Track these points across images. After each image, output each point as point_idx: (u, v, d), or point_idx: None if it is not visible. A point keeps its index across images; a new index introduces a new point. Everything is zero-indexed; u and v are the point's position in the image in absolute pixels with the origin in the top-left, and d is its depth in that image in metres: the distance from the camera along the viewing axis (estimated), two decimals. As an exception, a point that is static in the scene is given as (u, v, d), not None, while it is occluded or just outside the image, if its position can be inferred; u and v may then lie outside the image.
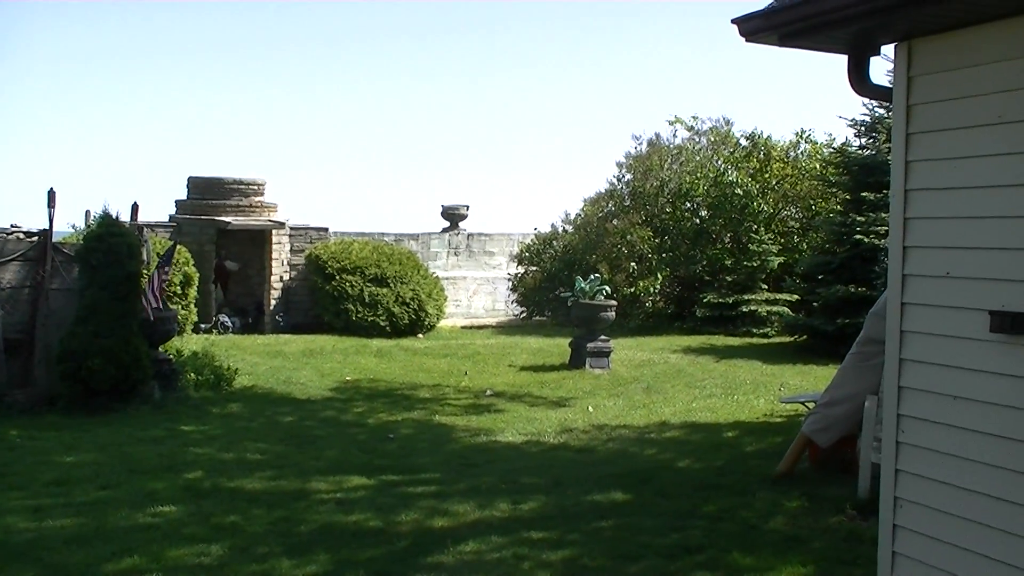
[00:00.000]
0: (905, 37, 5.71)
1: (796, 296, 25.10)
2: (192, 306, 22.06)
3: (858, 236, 21.39)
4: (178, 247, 21.49)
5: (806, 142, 29.14)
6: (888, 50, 5.95)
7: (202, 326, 22.67)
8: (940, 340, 5.60)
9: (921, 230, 5.72)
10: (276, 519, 9.38)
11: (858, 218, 21.74)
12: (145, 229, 16.26)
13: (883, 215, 21.38)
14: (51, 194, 14.90)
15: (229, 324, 23.45)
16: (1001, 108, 5.23)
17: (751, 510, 9.73)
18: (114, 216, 14.66)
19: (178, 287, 21.09)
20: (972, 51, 5.40)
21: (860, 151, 23.53)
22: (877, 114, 23.02)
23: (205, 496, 10.10)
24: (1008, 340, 5.20)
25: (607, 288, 20.36)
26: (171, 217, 24.60)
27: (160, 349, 15.52)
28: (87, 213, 14.85)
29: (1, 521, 9.19)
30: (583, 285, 19.84)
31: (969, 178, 5.43)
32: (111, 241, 14.16)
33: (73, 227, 18.76)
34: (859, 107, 27.96)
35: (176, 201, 25.04)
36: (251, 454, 12.05)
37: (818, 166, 27.83)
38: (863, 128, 23.71)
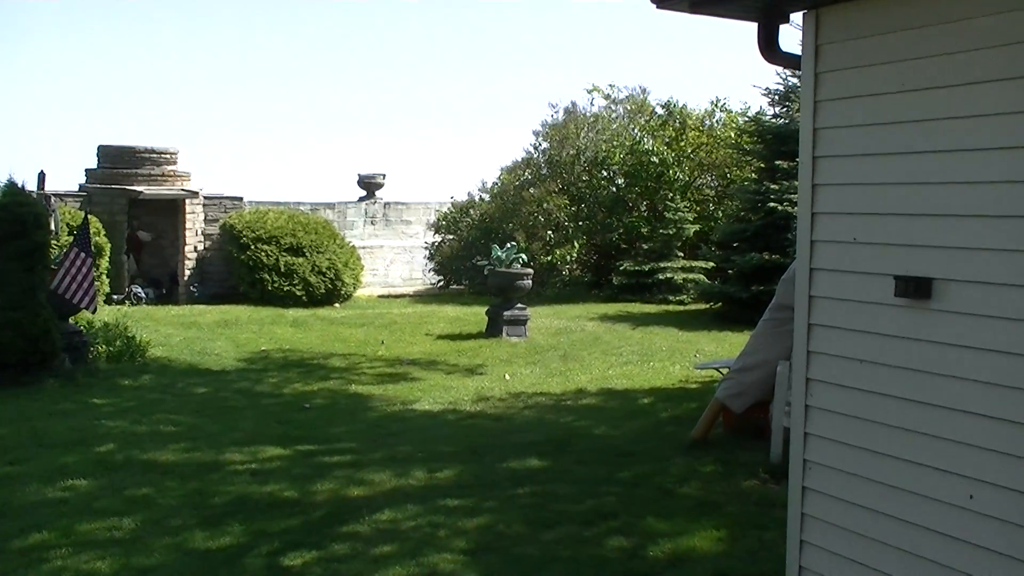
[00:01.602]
0: (813, 6, 5.75)
1: (712, 264, 25.29)
2: (104, 277, 21.68)
3: (772, 204, 21.62)
4: (89, 217, 21.15)
5: (721, 111, 29.37)
6: (798, 18, 5.99)
7: (115, 297, 22.32)
8: (847, 305, 5.68)
9: (829, 196, 5.79)
10: (190, 491, 9.29)
11: (772, 186, 21.96)
12: (53, 199, 15.93)
13: (797, 183, 21.53)
14: (-46, 164, 14.52)
15: (143, 295, 23.12)
16: (904, 76, 5.30)
17: (666, 476, 9.84)
18: (20, 185, 14.32)
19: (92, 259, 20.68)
20: (877, 19, 5.45)
21: (774, 120, 23.76)
22: (791, 83, 23.23)
23: (117, 469, 9.97)
24: (911, 304, 5.28)
25: (523, 256, 20.39)
26: (81, 187, 24.12)
27: (70, 321, 15.23)
28: (-8, 182, 14.47)
29: (-98, 498, 9.01)
30: (499, 253, 19.84)
31: (875, 145, 5.50)
32: (16, 211, 13.82)
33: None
34: (773, 76, 28.34)
35: (86, 170, 24.54)
36: (164, 426, 11.90)
37: (733, 135, 28.07)
38: (777, 97, 23.93)
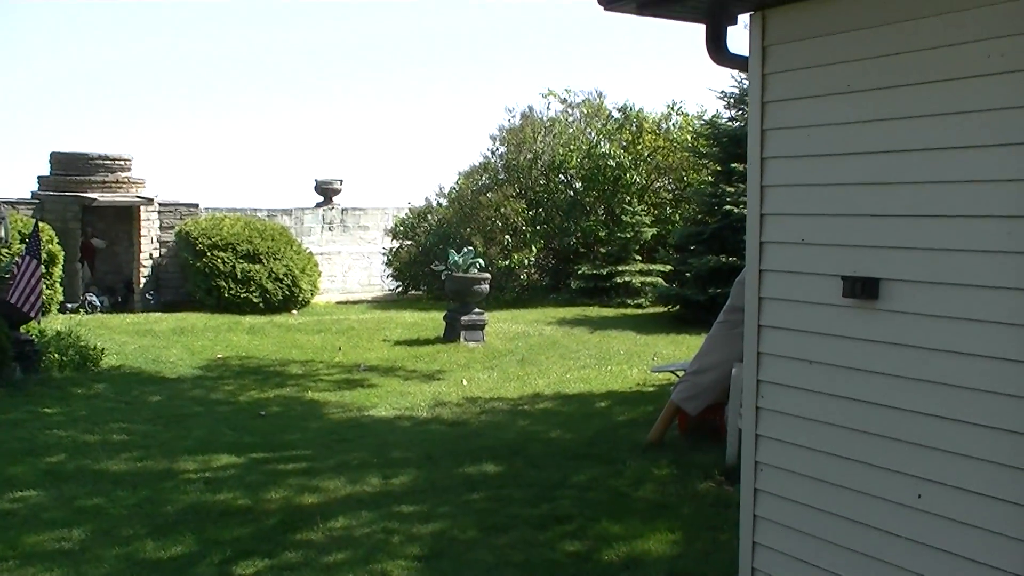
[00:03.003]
0: (759, 7, 5.75)
1: (669, 267, 25.33)
2: (57, 285, 21.48)
3: (728, 207, 21.68)
4: (41, 225, 20.91)
5: (677, 114, 29.46)
6: (745, 19, 5.98)
7: (68, 306, 22.10)
8: (796, 306, 5.69)
9: (777, 197, 5.79)
10: (141, 500, 9.18)
11: (728, 189, 22.04)
12: (3, 206, 15.73)
13: (751, 185, 21.71)
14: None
15: (97, 303, 22.91)
16: (850, 77, 5.31)
17: (621, 479, 9.82)
18: (-32, 193, 14.16)
19: (43, 266, 20.43)
20: (823, 21, 5.46)
21: (729, 123, 23.84)
22: (745, 86, 23.29)
23: (67, 479, 9.83)
24: (859, 304, 5.30)
25: (481, 261, 20.34)
26: (33, 194, 23.85)
27: (21, 329, 15.05)
28: (-58, 190, 14.27)
29: None
30: (456, 258, 19.79)
31: (822, 146, 5.51)
32: (-35, 219, 13.69)
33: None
34: (728, 79, 28.40)
35: (38, 177, 24.29)
36: (117, 435, 11.77)
37: (689, 138, 28.14)
38: (732, 100, 24.03)
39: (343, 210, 30.72)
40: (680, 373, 12.25)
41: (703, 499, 9.14)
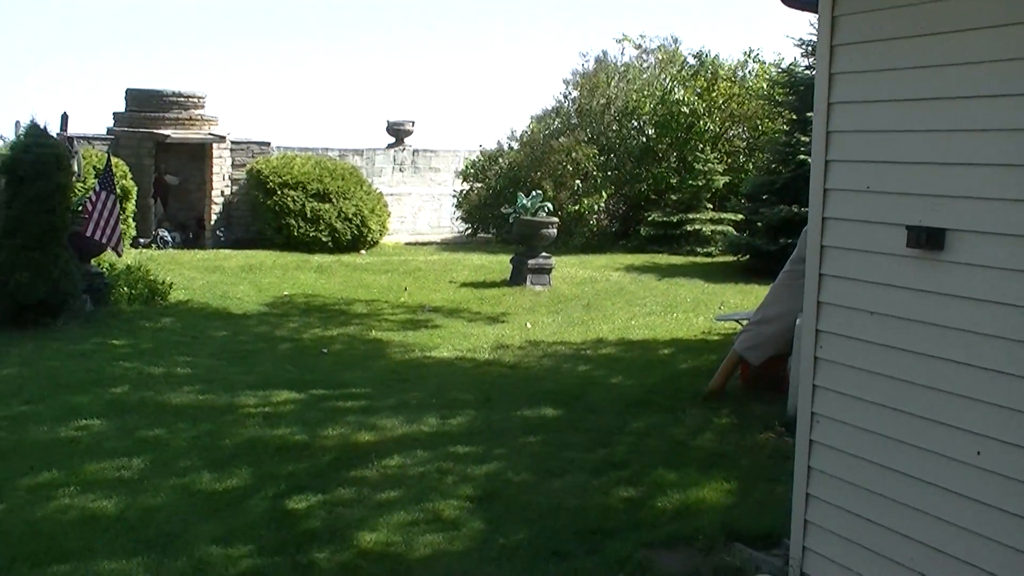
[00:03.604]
0: (830, -55, 5.57)
1: (740, 216, 25.03)
2: (130, 220, 21.65)
3: (802, 156, 21.31)
4: (115, 160, 21.10)
5: (754, 62, 28.98)
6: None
7: (141, 241, 22.31)
8: (859, 255, 5.54)
9: (843, 144, 5.63)
10: (201, 433, 9.28)
11: (803, 138, 21.65)
12: (76, 140, 15.86)
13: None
14: (-24, 103, 14.50)
15: (168, 239, 23.11)
16: (921, 21, 5.12)
17: (680, 427, 9.75)
18: (42, 126, 14.25)
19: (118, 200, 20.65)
20: (896, -40, 5.27)
21: (806, 71, 23.39)
22: (824, 33, 22.84)
23: (130, 411, 9.97)
24: (923, 255, 5.14)
25: (549, 205, 20.23)
26: (108, 130, 24.05)
27: (92, 263, 15.24)
28: (16, 124, 14.43)
29: (-82, 435, 9.04)
30: (525, 202, 19.69)
31: (890, 91, 5.33)
32: (38, 152, 13.77)
33: (2, 139, 18.29)
34: (806, 27, 27.80)
35: (114, 114, 24.47)
36: (180, 369, 11.90)
37: (765, 86, 27.69)
38: (809, 48, 23.52)
39: (414, 151, 30.65)
40: (744, 322, 12.11)
41: (761, 450, 9.04)
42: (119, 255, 15.48)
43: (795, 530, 6.06)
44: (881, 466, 5.48)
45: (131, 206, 21.59)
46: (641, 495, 7.82)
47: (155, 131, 23.33)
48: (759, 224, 22.59)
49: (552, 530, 7.07)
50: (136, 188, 21.90)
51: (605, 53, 29.95)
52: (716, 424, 9.84)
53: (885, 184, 5.37)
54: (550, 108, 29.81)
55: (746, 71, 28.93)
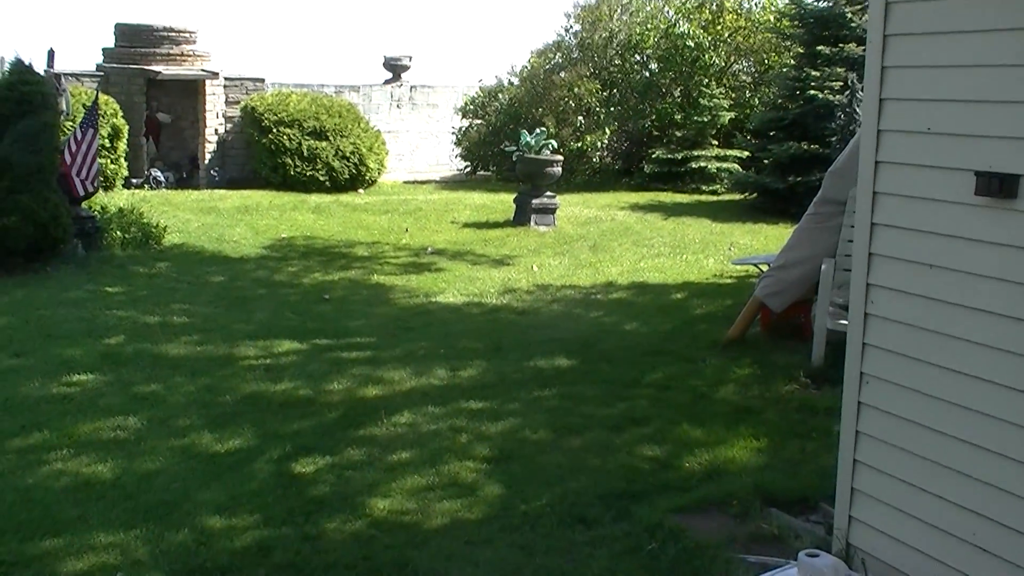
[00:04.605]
0: None
1: (747, 153, 24.49)
2: (122, 160, 21.05)
3: (812, 91, 20.77)
4: (106, 98, 20.51)
5: (761, -7, 28.27)
6: None
7: (133, 181, 21.73)
8: (918, 203, 5.07)
9: (901, 80, 5.13)
10: (200, 388, 8.87)
11: (812, 72, 21.10)
12: (63, 77, 15.29)
13: (839, 69, 20.79)
14: (-41, 39, 13.94)
15: (162, 179, 22.52)
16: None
17: (700, 378, 9.34)
18: (27, 63, 13.71)
19: (107, 140, 20.10)
20: None
21: (816, 3, 22.74)
22: (835, -37, 22.23)
23: (125, 363, 9.53)
24: (994, 204, 4.67)
25: (553, 143, 19.70)
26: (98, 66, 23.38)
27: (83, 205, 14.72)
28: (0, 60, 13.88)
29: (-98, 391, 8.61)
30: (528, 139, 19.17)
31: (957, 21, 4.83)
32: (23, 90, 13.24)
33: (-12, 75, 17.70)
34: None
35: (103, 50, 23.76)
36: (177, 317, 11.44)
37: (772, 18, 26.99)
38: (821, -22, 22.86)
39: (412, 87, 29.99)
40: (763, 267, 11.66)
41: (787, 403, 8.64)
42: (89, 192, 14.66)
43: (840, 499, 5.64)
44: (938, 432, 5.05)
45: (122, 145, 21.00)
46: (666, 454, 7.40)
47: (146, 67, 22.64)
48: (766, 161, 22.07)
49: (575, 494, 6.66)
50: (127, 127, 21.26)
51: (608, -15, 29.27)
52: (738, 375, 9.42)
53: (949, 125, 4.89)
54: (551, 42, 29.13)
55: (752, 3, 28.20)
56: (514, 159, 19.53)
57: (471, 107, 28.30)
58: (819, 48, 21.26)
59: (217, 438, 7.59)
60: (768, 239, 17.58)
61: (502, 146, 23.87)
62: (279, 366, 9.56)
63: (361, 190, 23.39)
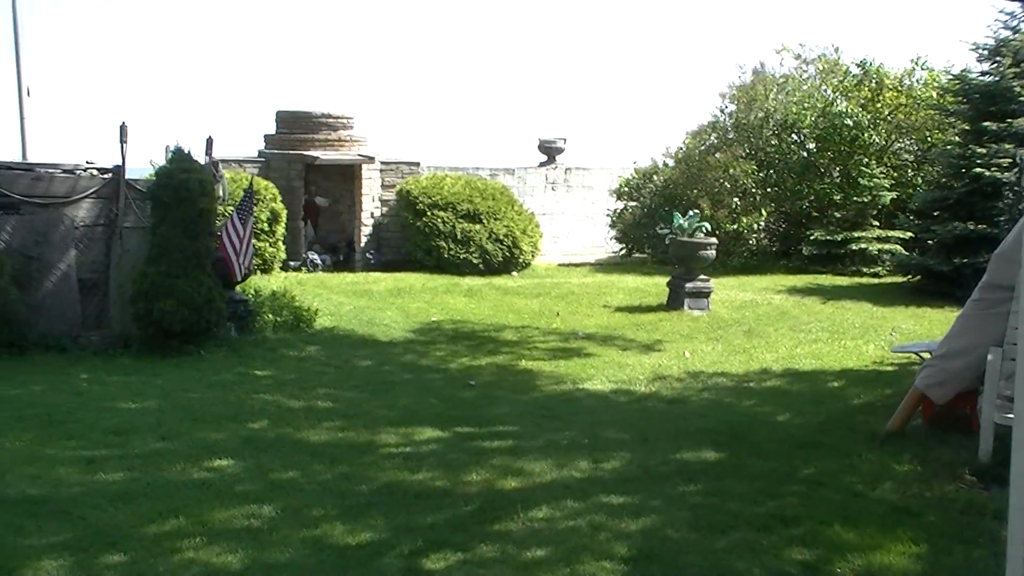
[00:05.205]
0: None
1: (909, 233, 23.82)
2: (280, 243, 21.52)
3: (978, 169, 20.09)
4: (265, 183, 21.00)
5: (922, 69, 27.49)
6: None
7: (291, 264, 22.17)
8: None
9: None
10: (337, 476, 8.74)
11: (978, 150, 20.42)
12: (221, 164, 15.65)
13: (1006, 146, 20.09)
14: (123, 129, 14.40)
15: (319, 261, 22.93)
16: None
17: (856, 474, 8.83)
18: (186, 151, 14.07)
19: (265, 224, 20.56)
20: None
21: (982, 77, 22.05)
22: (1002, 36, 21.55)
23: (266, 449, 9.50)
24: None
25: (707, 225, 19.40)
26: (260, 153, 24.05)
27: (237, 288, 14.98)
28: (167, 149, 14.29)
29: (53, 473, 8.72)
30: (681, 222, 18.90)
31: None
32: (181, 177, 13.59)
33: (152, 163, 18.27)
34: (982, 29, 26.32)
35: (265, 136, 24.48)
36: (322, 402, 11.44)
37: (935, 95, 26.26)
38: (986, 52, 22.14)
39: (567, 169, 30.07)
40: (925, 355, 11.09)
41: (951, 504, 8.06)
42: (240, 277, 14.89)
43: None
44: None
45: (281, 228, 21.46)
46: (817, 558, 6.94)
47: (304, 152, 23.20)
48: (930, 242, 21.41)
49: (719, 600, 6.28)
50: (286, 211, 21.76)
51: (763, 64, 29.04)
52: (897, 471, 8.87)
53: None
54: (706, 123, 28.98)
55: (913, 80, 27.51)
56: (667, 242, 19.28)
57: (626, 189, 28.21)
58: (985, 124, 20.60)
59: (349, 530, 7.43)
60: (932, 323, 16.91)
61: (656, 228, 23.65)
62: (419, 454, 9.40)
63: (515, 273, 23.38)
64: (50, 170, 14.56)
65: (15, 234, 13.92)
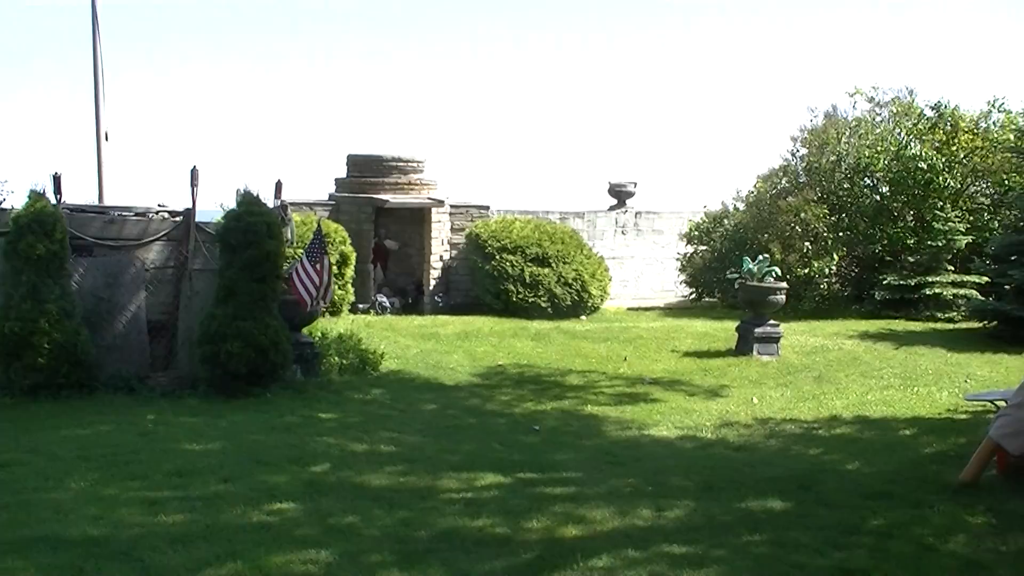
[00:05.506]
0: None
1: (985, 278, 23.40)
2: (349, 286, 21.67)
3: (1056, 213, 19.73)
4: (335, 226, 21.16)
5: (998, 111, 27.14)
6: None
7: (360, 306, 22.29)
8: None
9: None
10: (396, 521, 8.66)
11: (1057, 193, 20.06)
12: (290, 207, 15.78)
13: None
14: (194, 172, 14.61)
15: (387, 304, 23.01)
16: None
17: (927, 526, 8.58)
18: (254, 195, 14.21)
19: (335, 266, 20.70)
20: None
21: (1060, 119, 21.70)
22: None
23: (326, 492, 9.45)
24: None
25: (776, 270, 19.19)
26: (330, 196, 24.28)
27: (304, 331, 15.05)
28: (237, 192, 14.45)
29: (114, 514, 8.72)
30: (751, 266, 18.73)
31: None
32: (249, 220, 13.72)
33: (221, 206, 18.50)
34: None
35: (336, 179, 24.71)
36: (384, 445, 11.40)
37: (1012, 137, 25.89)
38: (1063, 95, 21.81)
39: (637, 213, 30.00)
40: (1000, 403, 10.83)
41: (1026, 559, 7.83)
42: (312, 310, 14.94)
43: None
44: None
45: (350, 271, 21.61)
46: (884, 613, 6.76)
47: (374, 196, 23.35)
48: (1007, 287, 21.01)
49: (780, 658, 6.12)
50: (355, 253, 21.91)
51: (835, 107, 28.89)
52: (970, 523, 8.63)
53: None
54: (777, 167, 28.82)
55: (989, 122, 27.15)
56: (736, 286, 19.12)
57: (696, 233, 28.08)
58: (1063, 168, 20.21)
59: (405, 577, 7.36)
60: (1009, 371, 16.55)
61: (727, 273, 23.46)
62: (479, 500, 9.30)
63: (583, 316, 23.31)
64: (123, 213, 14.78)
65: (87, 275, 14.12)
